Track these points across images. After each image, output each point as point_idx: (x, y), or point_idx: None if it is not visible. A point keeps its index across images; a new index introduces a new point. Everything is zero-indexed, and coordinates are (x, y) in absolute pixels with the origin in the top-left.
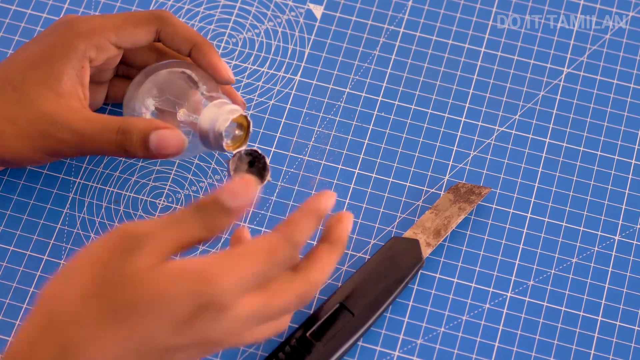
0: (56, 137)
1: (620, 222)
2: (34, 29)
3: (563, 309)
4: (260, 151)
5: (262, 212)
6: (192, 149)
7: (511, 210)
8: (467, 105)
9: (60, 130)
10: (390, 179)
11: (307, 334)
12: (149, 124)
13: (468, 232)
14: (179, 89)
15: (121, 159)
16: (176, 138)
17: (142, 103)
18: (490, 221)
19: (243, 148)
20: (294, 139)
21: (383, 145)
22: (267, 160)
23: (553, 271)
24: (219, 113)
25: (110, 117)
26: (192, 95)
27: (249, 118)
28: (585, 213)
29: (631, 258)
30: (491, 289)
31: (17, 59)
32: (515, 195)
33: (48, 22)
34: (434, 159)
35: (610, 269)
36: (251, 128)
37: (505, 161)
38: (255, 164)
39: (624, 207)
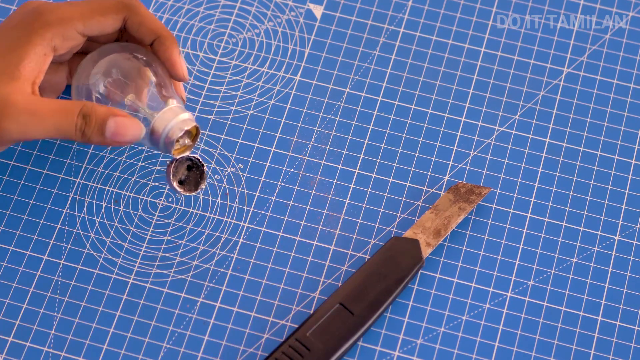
0: (7, 115)
1: (620, 222)
2: None
3: (563, 309)
4: (201, 160)
5: (262, 212)
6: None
7: (511, 210)
8: (467, 105)
9: (13, 111)
10: (390, 179)
11: (307, 334)
12: (107, 110)
13: (468, 232)
14: (131, 74)
15: (87, 148)
16: (134, 126)
17: (93, 82)
18: (490, 221)
19: (186, 154)
20: (294, 139)
21: (383, 145)
22: (206, 169)
23: (553, 271)
24: (175, 121)
25: (70, 101)
26: (143, 83)
27: (199, 129)
28: (585, 213)
29: (631, 258)
30: (491, 289)
31: None
32: (515, 195)
33: None
34: (434, 159)
35: (610, 269)
36: (199, 137)
37: (505, 161)
38: (193, 169)
39: (624, 207)
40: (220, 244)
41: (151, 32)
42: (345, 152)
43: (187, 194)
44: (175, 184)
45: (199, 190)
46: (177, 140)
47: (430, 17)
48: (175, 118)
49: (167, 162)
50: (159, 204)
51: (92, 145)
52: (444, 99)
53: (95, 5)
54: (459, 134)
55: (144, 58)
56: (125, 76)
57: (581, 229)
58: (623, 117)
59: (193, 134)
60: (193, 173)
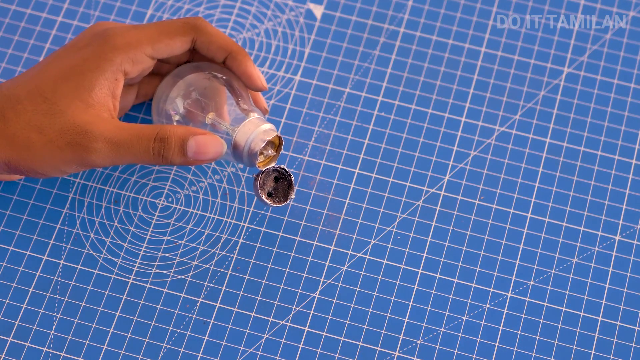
0: (87, 146)
1: (621, 222)
2: (33, 28)
3: (563, 309)
4: (287, 169)
5: (262, 212)
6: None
7: (511, 211)
8: (467, 105)
9: (91, 139)
10: (390, 179)
11: None
12: (186, 131)
13: (468, 232)
14: (209, 93)
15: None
16: (215, 143)
17: (172, 104)
18: (490, 221)
19: (272, 165)
20: (294, 139)
21: (383, 145)
22: (293, 179)
23: (553, 271)
24: (255, 132)
25: (146, 126)
26: (222, 101)
27: (282, 138)
28: (585, 213)
29: (631, 258)
30: (491, 289)
31: (50, 69)
32: (515, 195)
33: (48, 22)
34: (434, 159)
35: (610, 269)
36: (282, 147)
37: (505, 161)
38: (281, 180)
39: (624, 207)
40: (220, 244)
41: (222, 50)
42: (345, 152)
43: (277, 206)
44: (264, 197)
45: (289, 200)
46: (261, 152)
47: (431, 17)
48: (257, 130)
49: (254, 175)
50: (159, 204)
51: None
52: (444, 99)
53: (163, 28)
54: (459, 134)
55: (220, 76)
56: (204, 96)
57: (581, 229)
58: (623, 117)
59: (276, 145)
60: (281, 184)
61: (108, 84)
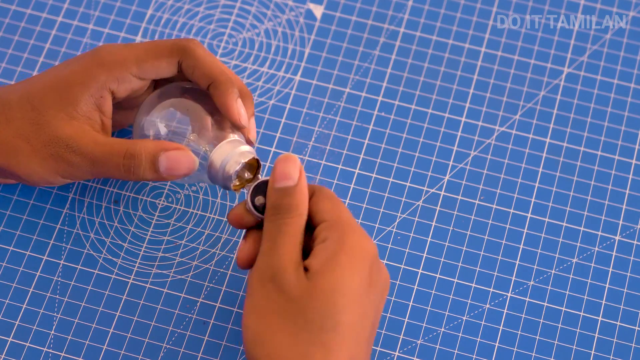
0: (68, 160)
1: (621, 222)
2: (33, 29)
3: (563, 309)
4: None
5: None
6: (197, 175)
7: (511, 211)
8: (467, 105)
9: (71, 153)
10: (390, 179)
11: None
12: (157, 146)
13: (468, 232)
14: (190, 115)
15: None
16: (187, 158)
17: (152, 125)
18: (490, 221)
19: (254, 183)
20: (294, 139)
21: (383, 145)
22: None
23: (553, 271)
24: (231, 154)
25: (118, 141)
26: (206, 124)
27: (260, 162)
28: (585, 213)
29: (631, 258)
30: (491, 289)
31: (42, 79)
32: (515, 195)
33: (48, 22)
34: (434, 159)
35: (610, 269)
36: (260, 169)
37: (505, 161)
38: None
39: (624, 207)
40: (220, 244)
41: (205, 77)
42: (345, 152)
43: None
44: (256, 213)
45: None
46: (238, 176)
47: (431, 17)
48: (233, 151)
49: (245, 191)
50: (159, 204)
51: None
52: (444, 99)
53: (150, 48)
54: (459, 134)
55: (203, 99)
56: (185, 117)
57: (581, 229)
58: (623, 117)
59: (254, 167)
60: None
61: (94, 100)
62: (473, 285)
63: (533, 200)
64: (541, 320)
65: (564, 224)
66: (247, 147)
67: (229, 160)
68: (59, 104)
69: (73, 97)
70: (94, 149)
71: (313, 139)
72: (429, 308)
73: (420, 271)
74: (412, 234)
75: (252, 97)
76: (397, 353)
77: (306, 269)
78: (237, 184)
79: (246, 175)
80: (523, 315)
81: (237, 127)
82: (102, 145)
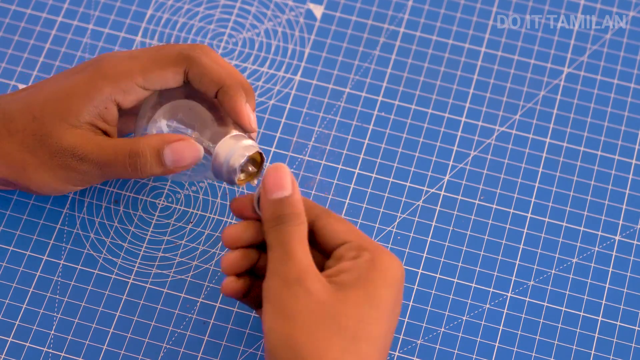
0: (77, 169)
1: (621, 222)
2: (33, 29)
3: (563, 309)
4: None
5: None
6: (202, 171)
7: (511, 211)
8: (467, 105)
9: (79, 162)
10: (390, 179)
11: None
12: (160, 139)
13: (468, 233)
14: (194, 115)
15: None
16: (191, 147)
17: (155, 126)
18: (490, 221)
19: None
20: (294, 139)
21: (383, 145)
22: None
23: (553, 271)
24: (235, 148)
25: (121, 141)
26: (208, 122)
27: (263, 155)
28: (585, 213)
29: (631, 258)
30: (491, 289)
31: (43, 90)
32: (515, 195)
33: (48, 22)
34: (434, 159)
35: (610, 269)
36: (265, 164)
37: (506, 161)
38: None
39: (624, 207)
40: (220, 244)
41: (213, 83)
42: (345, 152)
43: None
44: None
45: None
46: (242, 170)
47: (430, 17)
48: (237, 144)
49: (254, 196)
50: (159, 204)
51: None
52: (444, 99)
53: (155, 58)
54: (459, 134)
55: (206, 100)
56: (188, 116)
57: (581, 229)
58: (623, 117)
59: (258, 162)
60: None
61: (97, 111)
62: (473, 285)
63: (533, 200)
64: (541, 320)
65: (564, 224)
66: (250, 141)
67: (233, 153)
68: (60, 114)
69: (75, 108)
70: (99, 153)
71: (313, 139)
72: (429, 308)
73: (420, 271)
74: (412, 234)
75: (254, 92)
76: (397, 353)
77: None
78: (242, 178)
79: (250, 169)
80: (523, 315)
81: (248, 131)
82: (107, 148)
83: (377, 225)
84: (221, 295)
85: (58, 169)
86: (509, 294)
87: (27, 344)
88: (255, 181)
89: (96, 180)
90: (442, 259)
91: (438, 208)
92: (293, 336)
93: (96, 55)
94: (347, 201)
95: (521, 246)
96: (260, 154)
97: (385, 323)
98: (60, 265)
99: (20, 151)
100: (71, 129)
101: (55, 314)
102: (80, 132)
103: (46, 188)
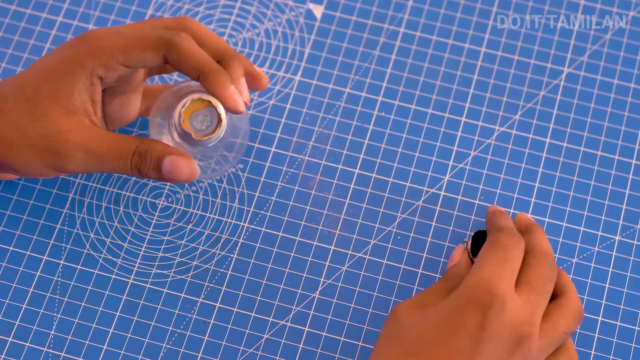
0: (65, 155)
1: (621, 222)
2: (33, 29)
3: None
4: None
5: (262, 212)
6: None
7: (511, 211)
8: (467, 105)
9: (70, 148)
10: (390, 179)
11: None
12: (164, 149)
13: (468, 233)
14: (204, 111)
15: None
16: (188, 167)
17: (169, 119)
18: None
19: (219, 134)
20: (294, 139)
21: (383, 145)
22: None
23: None
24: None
25: (127, 138)
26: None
27: (212, 100)
28: (585, 213)
29: (631, 258)
30: None
31: (34, 68)
32: (515, 196)
33: (48, 22)
34: (434, 159)
35: (610, 269)
36: (220, 110)
37: (506, 161)
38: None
39: (624, 207)
40: (220, 244)
41: (193, 70)
42: (345, 152)
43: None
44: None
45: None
46: (198, 129)
47: (430, 17)
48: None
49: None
50: (159, 204)
51: None
52: (444, 99)
53: (137, 39)
54: (459, 134)
55: (213, 99)
56: (199, 113)
57: (581, 229)
58: (623, 117)
59: (219, 117)
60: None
61: (85, 89)
62: None
63: (533, 200)
64: None
65: (564, 224)
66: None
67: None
68: (53, 95)
69: (66, 88)
70: (98, 144)
71: (313, 139)
72: None
73: (420, 271)
74: (412, 234)
75: (239, 56)
76: None
77: None
78: (202, 132)
79: (205, 123)
80: None
81: (234, 112)
82: (108, 140)
83: (377, 225)
84: (221, 295)
85: (46, 152)
86: None
87: (27, 344)
88: (217, 131)
89: (80, 170)
90: (442, 259)
91: (438, 208)
92: None
93: None
94: (347, 201)
95: None
96: (208, 100)
97: None
98: (60, 265)
99: (10, 130)
100: (67, 114)
101: (55, 314)
102: (76, 117)
103: (28, 169)
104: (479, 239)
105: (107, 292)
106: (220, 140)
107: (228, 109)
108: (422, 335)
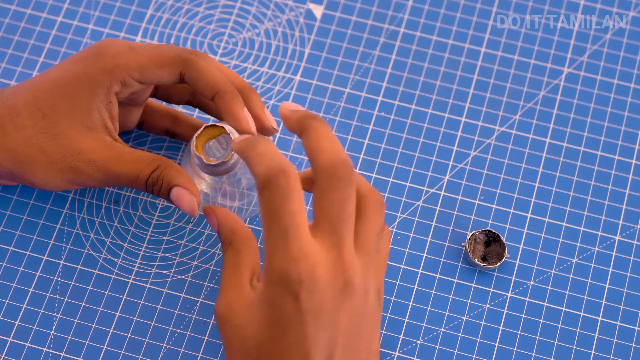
0: (87, 174)
1: (621, 222)
2: (33, 29)
3: (563, 309)
4: (493, 230)
5: None
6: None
7: (511, 211)
8: (467, 105)
9: (93, 168)
10: (390, 179)
11: None
12: (174, 177)
13: (468, 232)
14: (218, 147)
15: None
16: (189, 201)
17: (200, 153)
18: (490, 221)
19: (232, 160)
20: (294, 139)
21: (383, 145)
22: (502, 238)
23: (553, 271)
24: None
25: (146, 159)
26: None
27: (226, 127)
28: (585, 213)
29: (631, 258)
30: (491, 289)
31: (46, 82)
32: (515, 196)
33: (48, 22)
34: (434, 159)
35: (610, 269)
36: (234, 136)
37: (506, 161)
38: (493, 244)
39: (624, 207)
40: (220, 244)
41: (209, 88)
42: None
43: (493, 267)
44: (477, 261)
45: (504, 260)
46: (212, 155)
47: (430, 17)
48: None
49: (463, 245)
50: (159, 204)
51: None
52: (444, 99)
53: (153, 56)
54: (459, 134)
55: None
56: (216, 140)
57: (581, 229)
58: (623, 117)
59: (225, 137)
60: (493, 247)
61: (104, 107)
62: (473, 285)
63: (533, 200)
64: (541, 320)
65: (564, 224)
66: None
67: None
68: (71, 112)
69: (85, 106)
70: (118, 166)
71: None
72: (429, 308)
73: (420, 271)
74: (412, 234)
75: (256, 92)
76: (397, 353)
77: None
78: (215, 160)
79: (220, 150)
80: (523, 315)
81: (246, 133)
82: (128, 162)
83: None
84: None
85: (68, 170)
86: (509, 294)
87: (27, 344)
88: (230, 157)
89: (96, 185)
90: (442, 259)
91: (438, 208)
92: None
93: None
94: None
95: (521, 246)
96: (221, 127)
97: None
98: (60, 265)
99: (27, 147)
100: (87, 132)
101: (55, 314)
102: (96, 135)
103: (47, 184)
104: (478, 239)
105: (107, 292)
106: (238, 168)
107: (241, 130)
108: (260, 338)
